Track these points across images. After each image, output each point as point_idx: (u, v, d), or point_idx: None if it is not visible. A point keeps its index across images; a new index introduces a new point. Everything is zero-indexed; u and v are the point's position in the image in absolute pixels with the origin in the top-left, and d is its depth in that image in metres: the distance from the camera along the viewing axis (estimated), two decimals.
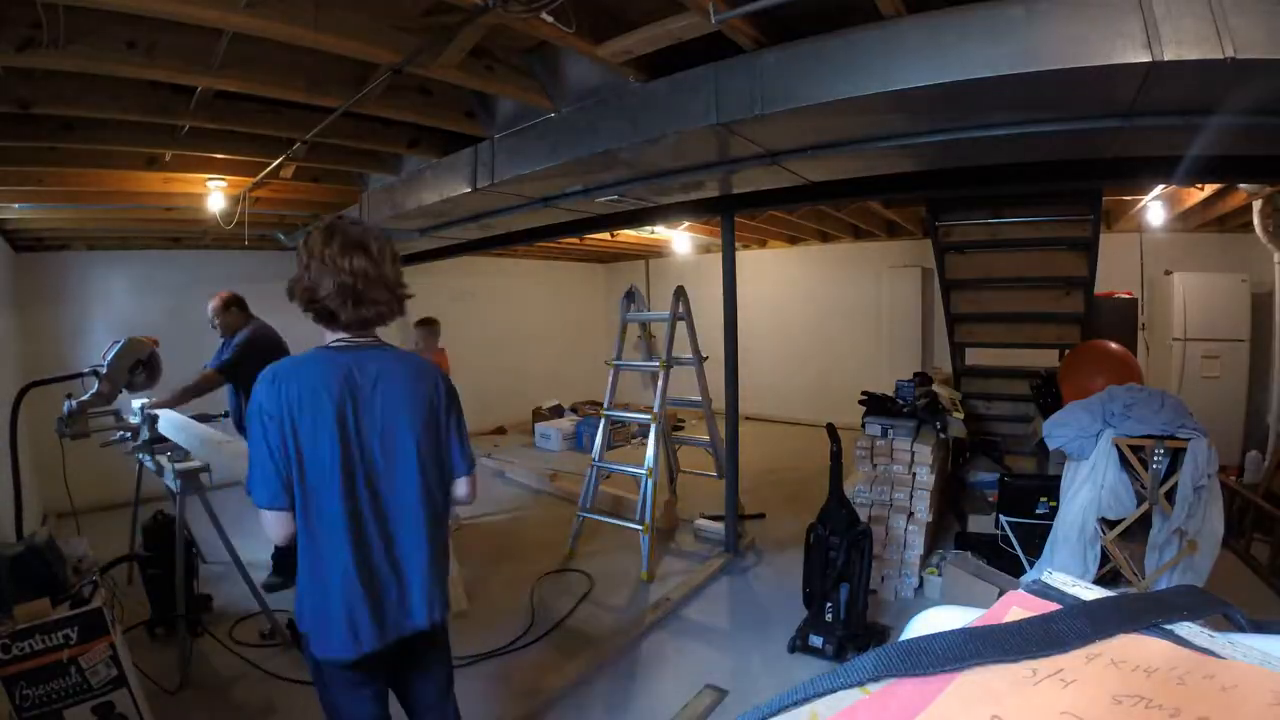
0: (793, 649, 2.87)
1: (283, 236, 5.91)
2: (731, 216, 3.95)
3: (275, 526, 1.38)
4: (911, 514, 3.45)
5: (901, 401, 3.73)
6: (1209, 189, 4.48)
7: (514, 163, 2.95)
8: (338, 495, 1.38)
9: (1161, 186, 4.45)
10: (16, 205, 3.96)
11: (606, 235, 5.84)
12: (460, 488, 1.61)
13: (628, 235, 6.59)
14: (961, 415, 4.30)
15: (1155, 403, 2.63)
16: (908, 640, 0.34)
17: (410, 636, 1.48)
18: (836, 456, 3.07)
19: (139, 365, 3.02)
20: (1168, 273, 5.50)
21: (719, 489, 4.23)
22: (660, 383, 4.11)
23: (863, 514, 3.26)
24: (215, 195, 3.98)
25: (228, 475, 2.33)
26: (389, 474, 1.44)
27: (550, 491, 5.49)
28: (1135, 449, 2.61)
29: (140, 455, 3.04)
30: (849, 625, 2.82)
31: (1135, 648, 0.33)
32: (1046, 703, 0.30)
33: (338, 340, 1.45)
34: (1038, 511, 3.16)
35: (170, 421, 2.98)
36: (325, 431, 1.37)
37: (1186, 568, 2.51)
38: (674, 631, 3.16)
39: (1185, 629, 0.34)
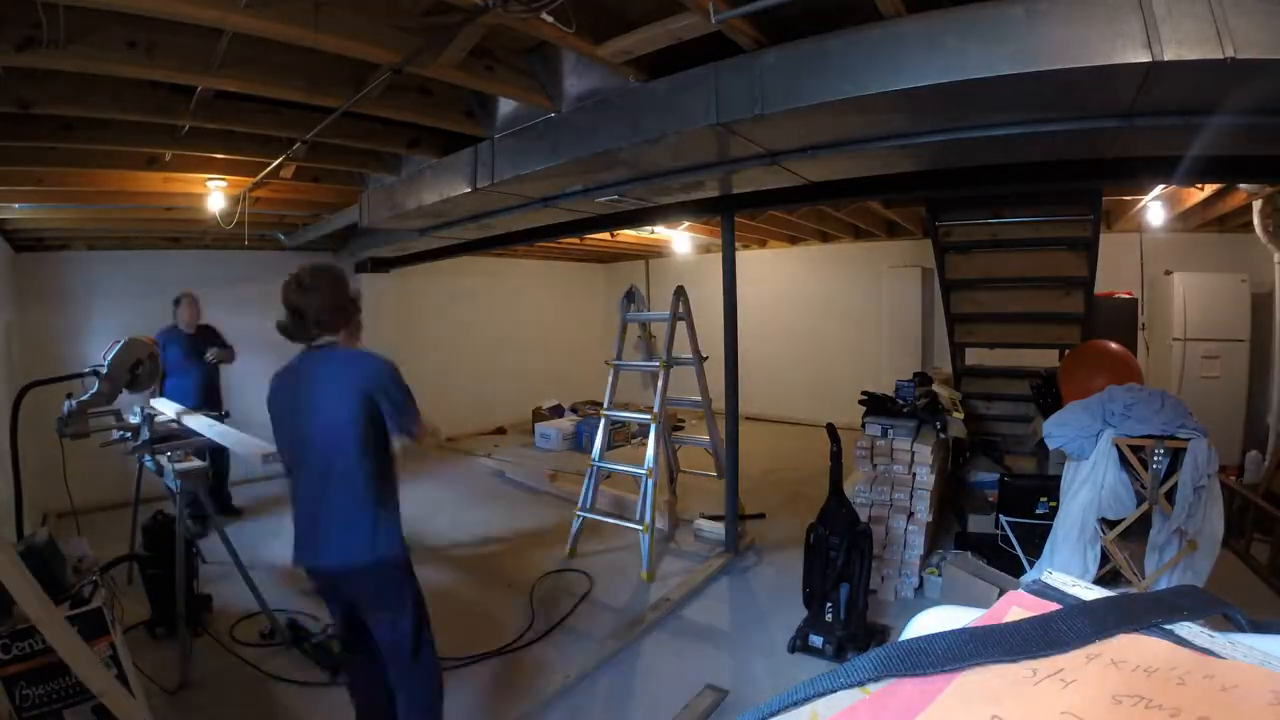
0: (793, 649, 2.87)
1: (283, 236, 5.92)
2: (731, 216, 3.95)
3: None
4: (911, 514, 3.45)
5: (901, 401, 3.73)
6: (1209, 189, 4.48)
7: (514, 163, 2.95)
8: (295, 461, 1.92)
9: (1161, 186, 4.45)
10: (16, 205, 3.96)
11: (606, 235, 5.84)
12: (402, 440, 2.01)
13: (628, 235, 6.59)
14: (961, 415, 4.31)
15: (1155, 403, 2.63)
16: (908, 640, 0.34)
17: (343, 574, 1.92)
18: (836, 456, 3.07)
19: (139, 365, 3.02)
20: (1168, 273, 5.50)
21: (719, 489, 4.23)
22: (660, 383, 4.11)
23: (863, 514, 3.26)
24: (215, 195, 3.99)
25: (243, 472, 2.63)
26: (315, 449, 1.88)
27: (550, 491, 5.49)
28: (1135, 449, 2.61)
29: (140, 455, 3.04)
30: (849, 625, 2.82)
31: (1135, 648, 0.33)
32: (1046, 703, 0.30)
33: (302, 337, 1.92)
34: (1038, 511, 3.16)
35: (198, 423, 3.04)
36: (288, 415, 1.91)
37: (1186, 568, 2.51)
38: (674, 631, 3.16)
39: (1185, 629, 0.34)
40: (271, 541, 3.90)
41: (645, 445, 4.01)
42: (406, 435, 1.97)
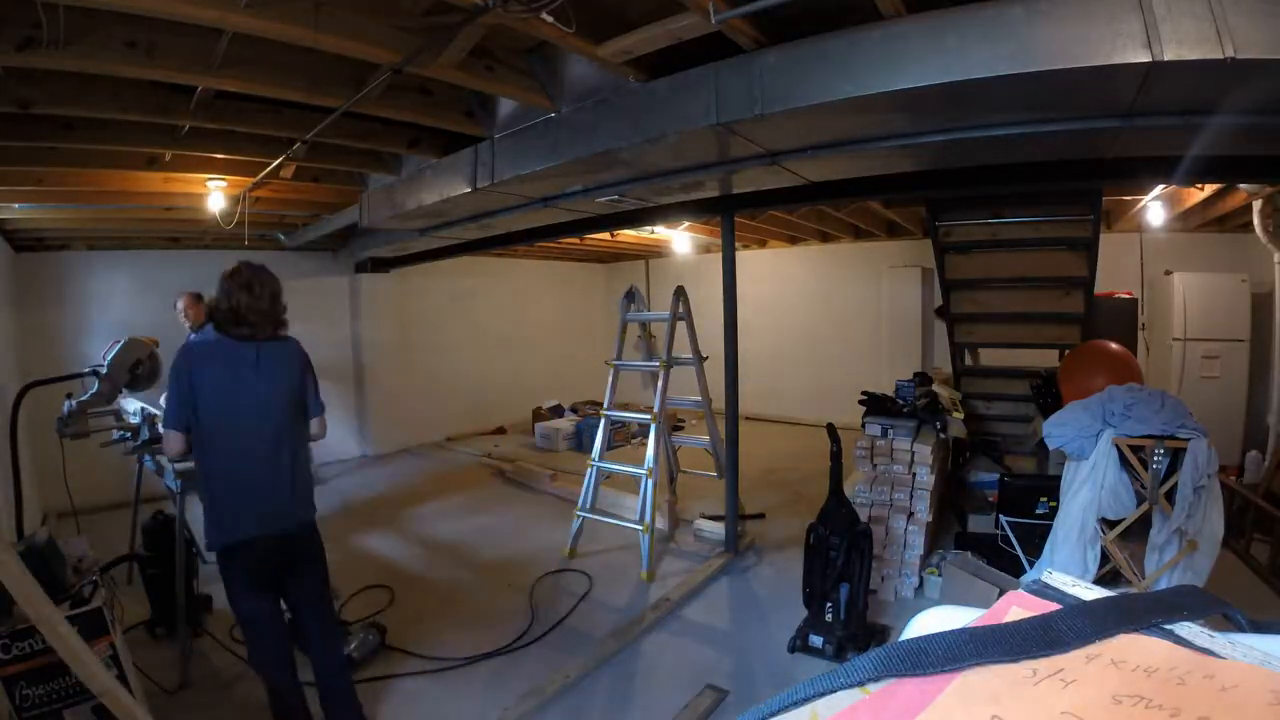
0: (793, 649, 2.87)
1: (283, 236, 5.92)
2: (731, 216, 3.95)
3: (172, 443, 2.01)
4: (911, 514, 3.45)
5: (901, 401, 3.73)
6: (1209, 189, 4.48)
7: (514, 163, 2.95)
8: (228, 432, 1.98)
9: (1161, 186, 4.45)
10: (16, 205, 3.96)
11: (606, 235, 5.84)
12: (314, 426, 2.23)
13: (628, 235, 6.59)
14: (961, 415, 4.30)
15: (1155, 403, 2.63)
16: (908, 640, 0.34)
17: (286, 537, 2.06)
18: (836, 456, 3.07)
19: (139, 365, 3.03)
20: (1168, 273, 5.50)
21: (719, 489, 4.23)
22: (660, 383, 4.11)
23: (863, 514, 3.26)
24: (215, 195, 3.99)
25: None
26: (265, 419, 2.03)
27: (550, 491, 5.49)
28: (1135, 449, 2.60)
29: (140, 455, 3.04)
30: (849, 625, 2.82)
31: (1135, 648, 0.33)
32: (1046, 703, 0.30)
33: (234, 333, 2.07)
34: (1038, 511, 3.16)
35: None
36: (222, 389, 1.98)
37: (1186, 568, 2.51)
38: (674, 631, 3.16)
39: (1185, 629, 0.34)
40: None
41: (645, 445, 4.01)
42: (320, 413, 2.24)
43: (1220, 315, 5.22)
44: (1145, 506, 2.59)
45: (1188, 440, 2.50)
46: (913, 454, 3.46)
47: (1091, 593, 0.38)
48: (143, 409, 3.08)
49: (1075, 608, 0.36)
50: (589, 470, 4.21)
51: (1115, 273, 5.43)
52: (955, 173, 2.97)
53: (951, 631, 0.35)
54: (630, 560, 3.89)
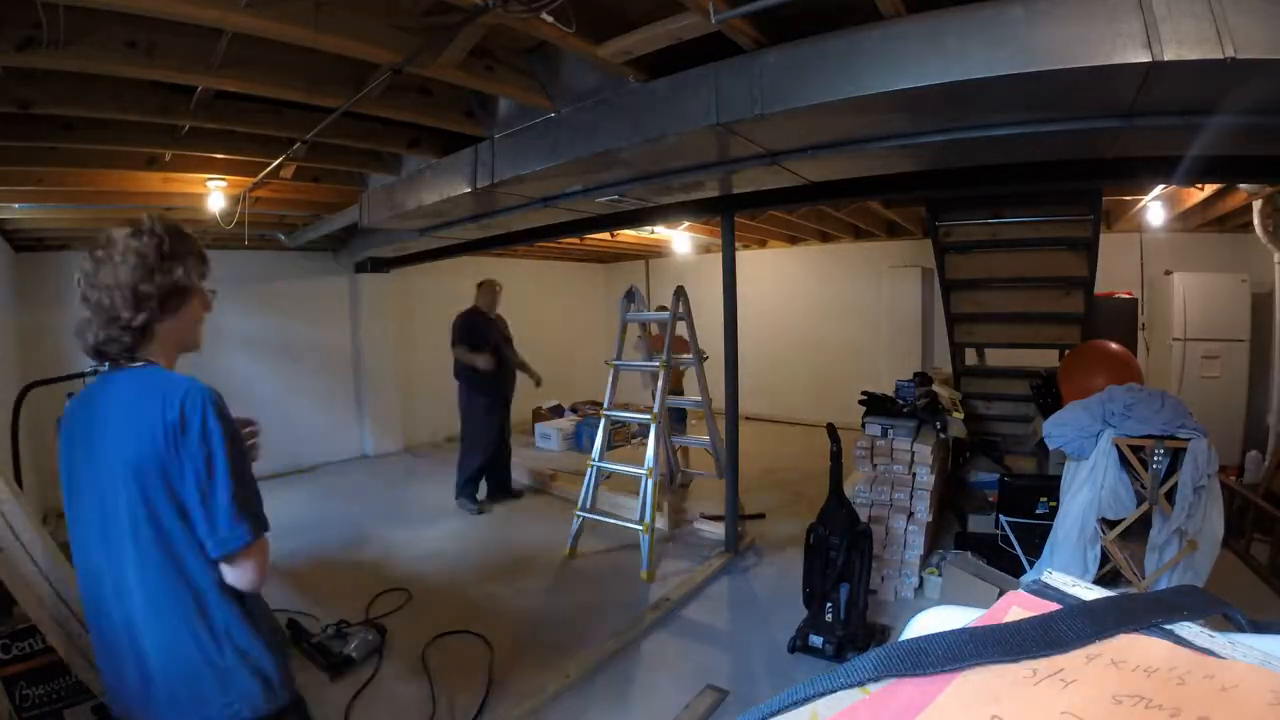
0: (793, 649, 2.87)
1: (283, 236, 5.92)
2: (731, 216, 3.95)
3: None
4: (911, 514, 3.45)
5: (901, 401, 3.73)
6: (1209, 189, 4.48)
7: (514, 163, 2.95)
8: (82, 547, 1.12)
9: (1161, 186, 4.45)
10: (16, 205, 3.96)
11: (606, 235, 5.84)
12: (226, 572, 1.08)
13: (628, 235, 6.59)
14: (961, 415, 4.31)
15: (1155, 403, 2.63)
16: (908, 640, 0.34)
17: None
18: (836, 456, 3.07)
19: None
20: (1168, 273, 5.50)
21: (719, 489, 4.23)
22: (660, 383, 4.11)
23: (863, 514, 3.26)
24: (215, 195, 3.99)
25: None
26: (109, 532, 1.08)
27: (550, 491, 5.49)
28: (1135, 449, 2.60)
29: None
30: (849, 625, 2.82)
31: (1135, 648, 0.33)
32: (1046, 703, 0.30)
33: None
34: (1038, 511, 3.16)
35: None
36: (67, 472, 1.15)
37: (1186, 568, 2.51)
38: (674, 631, 3.16)
39: (1185, 629, 0.34)
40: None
41: (645, 445, 4.02)
42: (223, 551, 1.07)
43: (1220, 315, 5.22)
44: (1145, 506, 2.59)
45: (1188, 440, 2.51)
46: (913, 454, 3.46)
47: (1091, 593, 0.38)
48: None
49: (1075, 608, 0.36)
50: (589, 470, 4.21)
51: (1115, 273, 5.44)
52: (955, 173, 2.97)
53: (951, 631, 0.35)
54: (630, 560, 3.88)
